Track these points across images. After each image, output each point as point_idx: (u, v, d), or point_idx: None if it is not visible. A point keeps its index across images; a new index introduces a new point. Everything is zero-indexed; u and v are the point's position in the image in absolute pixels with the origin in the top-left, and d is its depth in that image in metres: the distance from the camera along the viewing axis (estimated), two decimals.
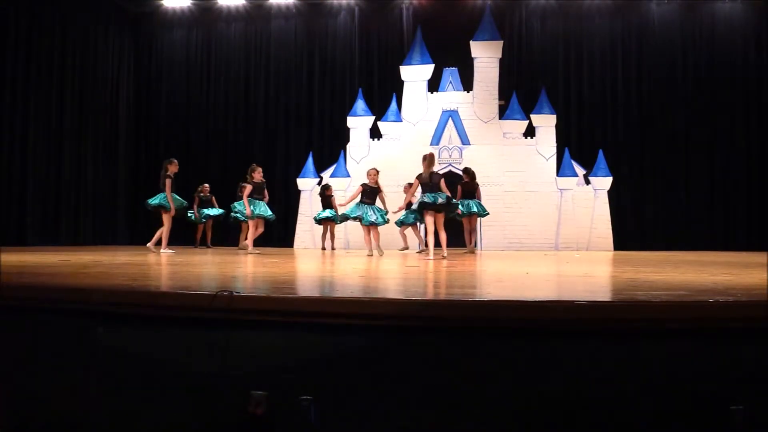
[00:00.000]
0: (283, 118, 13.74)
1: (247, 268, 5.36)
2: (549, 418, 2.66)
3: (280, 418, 2.73)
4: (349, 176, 12.26)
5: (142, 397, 2.92)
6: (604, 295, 3.48)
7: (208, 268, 5.40)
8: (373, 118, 12.62)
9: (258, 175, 9.21)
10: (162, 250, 8.57)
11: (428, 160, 7.38)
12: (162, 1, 13.91)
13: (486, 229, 12.05)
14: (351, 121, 12.65)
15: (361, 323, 2.78)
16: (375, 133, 12.66)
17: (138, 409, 2.93)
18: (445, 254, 7.36)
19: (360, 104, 12.67)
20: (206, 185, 11.98)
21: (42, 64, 11.67)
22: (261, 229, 9.47)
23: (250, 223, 9.23)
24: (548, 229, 12.08)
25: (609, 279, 4.65)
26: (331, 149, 13.03)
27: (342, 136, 12.85)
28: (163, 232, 8.71)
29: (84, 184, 12.60)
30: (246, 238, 9.71)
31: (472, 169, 10.62)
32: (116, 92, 13.70)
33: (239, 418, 2.73)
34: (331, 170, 12.49)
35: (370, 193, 8.88)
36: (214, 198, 11.99)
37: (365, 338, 2.78)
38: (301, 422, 2.70)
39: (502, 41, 12.51)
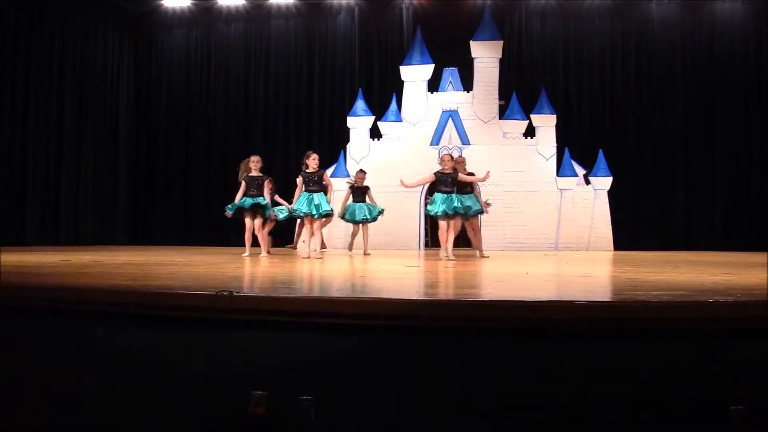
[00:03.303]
0: (283, 118, 13.73)
1: (246, 268, 5.36)
2: (549, 418, 2.66)
3: (280, 418, 2.73)
4: (348, 176, 12.24)
5: (142, 397, 2.92)
6: (604, 295, 3.48)
7: (208, 268, 5.39)
8: (373, 118, 12.62)
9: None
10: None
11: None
12: (162, 1, 13.90)
13: (486, 229, 12.02)
14: (351, 121, 12.64)
15: (361, 323, 2.78)
16: (375, 133, 12.65)
17: (138, 409, 2.93)
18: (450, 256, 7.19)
19: (360, 104, 12.67)
20: None
21: (42, 63, 11.66)
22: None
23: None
24: (548, 229, 12.07)
25: (609, 279, 4.65)
26: (331, 149, 13.02)
27: (342, 136, 12.84)
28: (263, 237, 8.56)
29: (84, 184, 12.58)
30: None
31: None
32: (116, 92, 13.68)
33: (239, 418, 2.73)
34: (331, 170, 12.47)
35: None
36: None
37: (365, 338, 2.78)
38: (301, 422, 2.70)
39: (502, 41, 12.50)
